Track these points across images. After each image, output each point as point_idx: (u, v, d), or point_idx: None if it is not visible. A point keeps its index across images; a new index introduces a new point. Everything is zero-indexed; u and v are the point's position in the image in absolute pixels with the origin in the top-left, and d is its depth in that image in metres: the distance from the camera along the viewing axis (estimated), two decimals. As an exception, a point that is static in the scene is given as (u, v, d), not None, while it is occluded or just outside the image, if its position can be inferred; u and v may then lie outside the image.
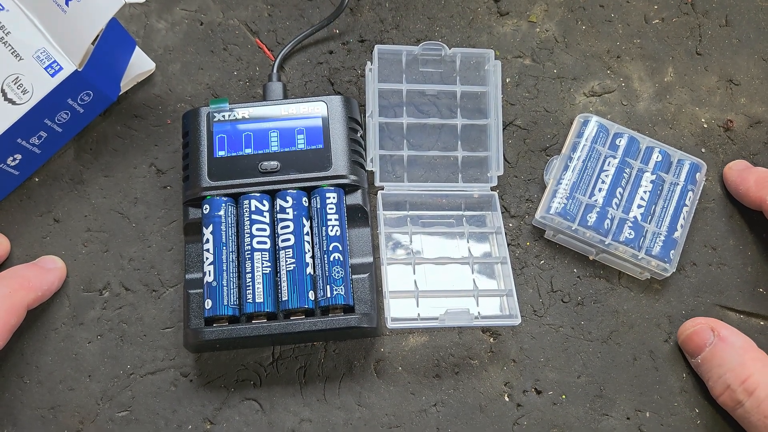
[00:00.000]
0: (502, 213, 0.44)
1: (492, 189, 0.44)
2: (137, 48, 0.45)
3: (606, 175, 0.43)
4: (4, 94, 0.38)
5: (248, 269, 0.39)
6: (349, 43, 0.48)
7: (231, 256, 0.39)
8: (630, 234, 0.42)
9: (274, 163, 0.41)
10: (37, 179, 0.44)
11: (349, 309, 0.39)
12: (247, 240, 0.39)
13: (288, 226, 0.39)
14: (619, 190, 0.43)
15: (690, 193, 0.43)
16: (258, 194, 0.40)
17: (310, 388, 0.40)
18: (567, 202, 0.42)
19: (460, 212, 0.44)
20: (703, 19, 0.49)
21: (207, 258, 0.39)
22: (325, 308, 0.38)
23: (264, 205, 0.40)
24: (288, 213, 0.40)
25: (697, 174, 0.44)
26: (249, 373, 0.40)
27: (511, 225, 0.44)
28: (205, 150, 0.41)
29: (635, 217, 0.42)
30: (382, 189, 0.43)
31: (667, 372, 0.41)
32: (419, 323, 0.39)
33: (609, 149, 0.44)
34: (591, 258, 0.43)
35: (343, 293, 0.38)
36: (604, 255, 0.43)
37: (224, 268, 0.39)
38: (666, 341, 0.42)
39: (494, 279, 0.42)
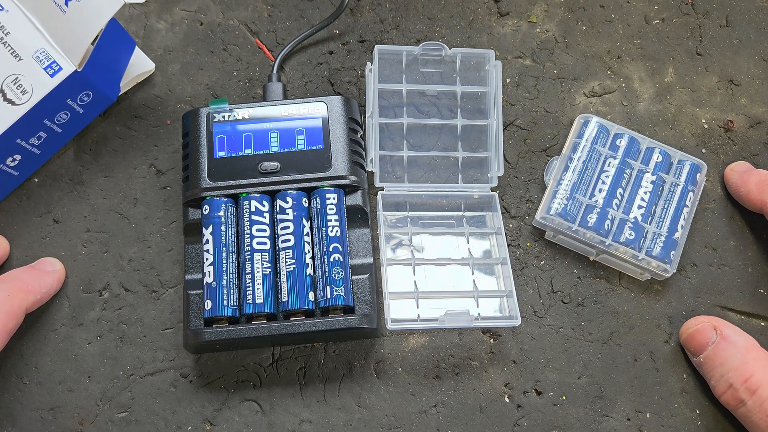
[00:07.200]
0: (502, 214, 0.44)
1: (492, 189, 0.44)
2: (137, 48, 0.45)
3: (606, 176, 0.43)
4: (4, 95, 0.38)
5: (248, 270, 0.39)
6: (349, 44, 0.47)
7: (231, 256, 0.39)
8: (630, 235, 0.42)
9: (274, 164, 0.40)
10: (36, 180, 0.44)
11: (349, 310, 0.39)
12: (247, 241, 0.39)
13: (288, 227, 0.39)
14: (620, 190, 0.43)
15: (690, 194, 0.43)
16: (258, 195, 0.40)
17: (310, 389, 0.40)
18: (567, 203, 0.42)
19: (461, 213, 0.44)
20: (703, 20, 0.49)
21: (207, 259, 0.39)
22: (325, 309, 0.38)
23: (264, 206, 0.40)
24: (288, 214, 0.40)
25: (698, 174, 0.44)
26: (249, 374, 0.40)
27: (511, 226, 0.44)
28: (205, 150, 0.41)
29: (635, 218, 0.42)
30: (382, 190, 0.43)
31: (668, 373, 0.41)
32: (419, 324, 0.39)
33: (609, 150, 0.44)
34: (591, 259, 0.43)
35: (343, 294, 0.38)
36: (604, 256, 0.42)
37: (224, 268, 0.39)
38: (666, 342, 0.42)
39: (494, 280, 0.42)
